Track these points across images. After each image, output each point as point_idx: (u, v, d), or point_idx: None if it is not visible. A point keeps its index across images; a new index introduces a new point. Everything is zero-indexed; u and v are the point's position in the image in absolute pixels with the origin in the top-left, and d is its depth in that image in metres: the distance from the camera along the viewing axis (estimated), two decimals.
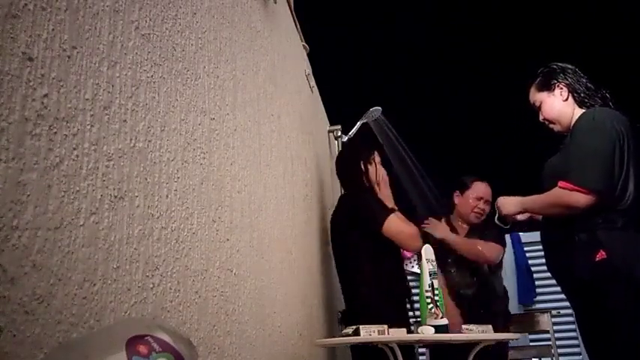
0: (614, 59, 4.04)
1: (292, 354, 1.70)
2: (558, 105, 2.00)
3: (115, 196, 0.79)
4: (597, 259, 1.74)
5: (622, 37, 4.10)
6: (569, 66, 2.03)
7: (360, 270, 2.18)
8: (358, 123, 3.29)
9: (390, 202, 2.30)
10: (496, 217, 2.21)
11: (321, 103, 3.30)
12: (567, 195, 1.79)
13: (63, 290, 0.65)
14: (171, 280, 0.93)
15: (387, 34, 4.57)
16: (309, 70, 2.84)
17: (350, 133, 3.33)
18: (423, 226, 2.54)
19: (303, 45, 2.77)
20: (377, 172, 2.34)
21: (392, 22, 4.49)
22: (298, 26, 2.63)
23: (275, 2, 1.98)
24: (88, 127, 0.74)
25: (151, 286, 0.86)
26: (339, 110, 3.48)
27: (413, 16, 4.34)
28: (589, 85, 1.98)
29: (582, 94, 1.96)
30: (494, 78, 4.51)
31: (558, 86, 1.99)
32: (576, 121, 1.91)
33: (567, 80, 1.99)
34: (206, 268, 1.08)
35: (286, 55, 2.21)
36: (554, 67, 2.05)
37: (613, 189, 1.78)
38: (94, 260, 0.72)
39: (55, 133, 0.67)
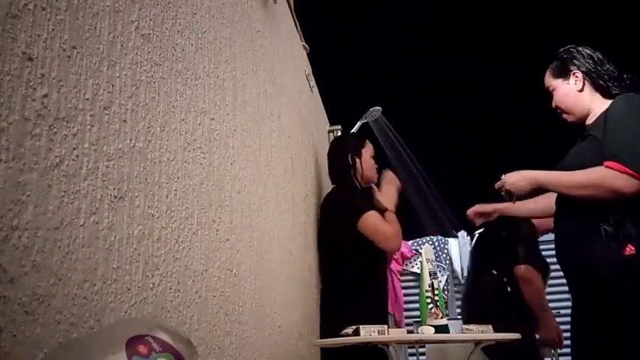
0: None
1: (292, 354, 1.70)
2: (572, 95, 1.85)
3: (115, 196, 0.79)
4: (626, 253, 1.58)
5: None
6: (589, 51, 1.87)
7: (340, 266, 2.16)
8: (358, 123, 3.29)
9: (389, 203, 2.24)
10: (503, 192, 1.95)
11: (321, 103, 3.30)
12: (615, 177, 1.59)
13: (63, 290, 0.65)
14: (171, 280, 0.93)
15: (386, 34, 4.57)
16: (309, 70, 2.84)
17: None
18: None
19: (303, 45, 2.77)
20: (365, 165, 2.28)
21: (392, 22, 4.49)
22: (298, 26, 2.63)
23: (275, 2, 1.98)
24: (88, 127, 0.74)
25: (151, 286, 0.86)
26: (339, 110, 3.48)
27: (413, 16, 4.34)
28: (613, 72, 1.82)
29: (607, 83, 1.80)
30: (495, 78, 4.51)
31: (574, 74, 1.84)
32: (614, 105, 1.74)
33: (585, 68, 1.83)
34: (206, 268, 1.08)
35: (286, 55, 2.21)
36: (573, 51, 1.88)
37: None
38: (94, 260, 0.72)
39: (55, 133, 0.67)
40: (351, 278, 2.13)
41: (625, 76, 1.82)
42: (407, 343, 1.69)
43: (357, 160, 2.30)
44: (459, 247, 5.59)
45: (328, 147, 2.60)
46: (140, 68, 0.90)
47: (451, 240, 5.61)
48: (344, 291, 2.12)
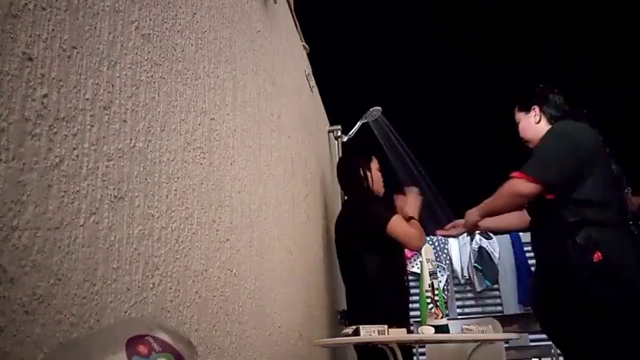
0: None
1: (292, 354, 1.70)
2: (532, 126, 2.19)
3: (115, 196, 0.79)
4: (595, 259, 1.82)
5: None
6: (549, 90, 2.22)
7: (367, 270, 2.25)
8: (358, 123, 3.29)
9: (413, 213, 2.44)
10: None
11: (321, 103, 3.30)
12: (514, 182, 1.98)
13: (63, 290, 0.65)
14: (171, 280, 0.93)
15: (386, 34, 4.57)
16: (309, 70, 2.84)
17: (350, 133, 3.33)
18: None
19: (303, 45, 2.77)
20: (374, 177, 2.47)
21: (392, 22, 4.49)
22: (298, 26, 2.63)
23: (275, 2, 1.98)
24: (88, 127, 0.74)
25: (151, 286, 0.86)
26: (339, 110, 3.48)
27: (413, 16, 4.34)
28: (566, 109, 2.16)
29: (558, 117, 2.14)
30: (495, 78, 4.51)
31: (534, 109, 2.19)
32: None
33: (542, 103, 2.18)
34: (206, 268, 1.08)
35: (286, 55, 2.21)
36: (536, 90, 2.24)
37: (563, 184, 1.93)
38: (94, 260, 0.72)
39: (55, 133, 0.67)
40: (379, 283, 2.22)
41: (584, 111, 2.15)
42: (407, 343, 1.70)
43: (369, 173, 2.46)
44: (458, 247, 5.59)
45: (338, 163, 2.75)
46: (140, 68, 0.90)
47: (451, 240, 5.61)
48: (372, 297, 2.21)
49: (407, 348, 2.07)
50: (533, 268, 5.19)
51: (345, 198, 2.65)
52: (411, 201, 2.44)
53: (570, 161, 1.94)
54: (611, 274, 1.81)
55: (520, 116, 2.25)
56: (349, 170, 2.52)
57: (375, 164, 2.52)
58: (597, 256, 1.82)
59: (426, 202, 2.83)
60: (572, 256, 1.87)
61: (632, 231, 1.97)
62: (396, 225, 2.22)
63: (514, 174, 1.98)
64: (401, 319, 2.07)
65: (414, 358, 4.33)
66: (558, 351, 3.35)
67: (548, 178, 1.94)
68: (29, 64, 0.63)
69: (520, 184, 1.96)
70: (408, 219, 2.33)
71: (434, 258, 1.85)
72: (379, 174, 2.52)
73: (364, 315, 2.15)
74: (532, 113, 2.19)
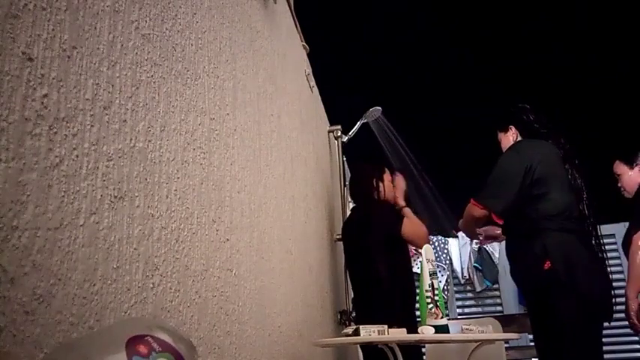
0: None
1: (292, 354, 1.70)
2: (510, 144, 2.39)
3: (115, 196, 0.79)
4: (546, 267, 2.01)
5: None
6: (522, 110, 2.41)
7: (382, 272, 2.33)
8: (358, 123, 3.29)
9: (401, 200, 2.59)
10: None
11: (321, 103, 3.29)
12: (469, 206, 2.27)
13: (63, 290, 0.65)
14: (171, 280, 0.93)
15: (386, 34, 4.57)
16: (309, 70, 2.84)
17: (350, 133, 3.33)
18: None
19: (303, 45, 2.77)
20: (386, 188, 2.59)
21: (392, 22, 4.49)
22: (298, 26, 2.63)
23: (275, 2, 1.98)
24: (88, 127, 0.74)
25: (151, 286, 0.86)
26: (339, 110, 3.48)
27: (413, 15, 4.34)
28: (535, 125, 2.36)
29: (531, 134, 2.34)
30: (494, 77, 4.51)
31: (510, 128, 2.42)
32: None
33: (517, 123, 2.39)
34: (206, 268, 1.08)
35: (286, 55, 2.21)
36: (511, 110, 2.45)
37: (511, 207, 2.15)
38: (94, 260, 0.72)
39: (55, 133, 0.67)
40: (393, 284, 2.30)
41: (548, 130, 2.32)
42: (407, 343, 1.70)
43: (381, 184, 2.56)
44: (458, 247, 5.59)
45: (351, 172, 2.88)
46: (140, 68, 0.90)
47: (451, 240, 5.61)
48: (387, 297, 2.27)
49: (417, 348, 2.20)
50: None
51: (353, 203, 2.79)
52: (400, 187, 2.59)
53: (519, 186, 2.13)
54: (559, 280, 1.97)
55: (500, 136, 2.48)
56: (363, 180, 2.63)
57: (387, 176, 2.63)
58: (547, 264, 2.01)
59: (425, 201, 2.88)
60: (529, 264, 2.08)
61: (588, 239, 2.14)
62: (409, 226, 2.38)
63: (471, 200, 2.26)
64: (412, 319, 2.20)
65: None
66: None
67: (493, 208, 2.21)
68: (29, 64, 0.63)
69: (473, 210, 2.25)
70: (401, 208, 2.51)
71: (434, 258, 1.85)
72: (391, 185, 2.64)
73: (378, 315, 2.17)
74: (510, 132, 2.41)
